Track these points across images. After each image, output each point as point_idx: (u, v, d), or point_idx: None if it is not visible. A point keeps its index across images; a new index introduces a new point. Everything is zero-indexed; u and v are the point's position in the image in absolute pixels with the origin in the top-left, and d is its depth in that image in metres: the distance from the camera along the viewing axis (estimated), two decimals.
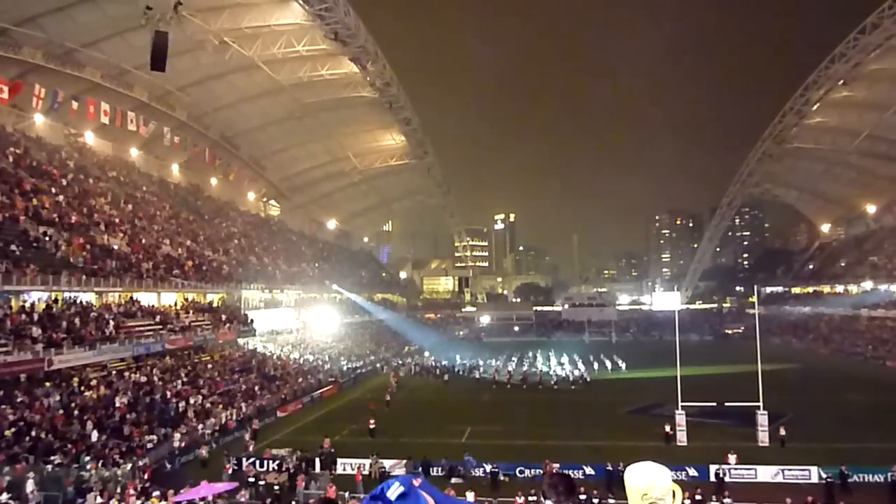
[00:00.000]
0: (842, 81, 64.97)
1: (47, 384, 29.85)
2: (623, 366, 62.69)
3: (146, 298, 42.21)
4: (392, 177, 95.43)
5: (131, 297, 40.23)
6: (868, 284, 78.37)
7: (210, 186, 73.34)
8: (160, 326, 39.70)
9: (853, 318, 77.14)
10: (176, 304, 45.29)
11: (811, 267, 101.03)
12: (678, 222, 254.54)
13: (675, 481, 2.92)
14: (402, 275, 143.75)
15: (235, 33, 52.51)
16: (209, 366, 43.24)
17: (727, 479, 25.40)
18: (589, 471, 26.74)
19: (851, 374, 55.67)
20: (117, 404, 31.19)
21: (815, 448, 29.56)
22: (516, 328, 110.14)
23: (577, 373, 57.25)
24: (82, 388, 31.34)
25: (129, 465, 25.82)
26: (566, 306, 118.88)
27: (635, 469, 2.90)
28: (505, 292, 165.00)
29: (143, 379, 35.50)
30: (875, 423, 34.80)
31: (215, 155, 67.54)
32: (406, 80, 70.39)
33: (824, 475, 25.05)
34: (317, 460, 28.61)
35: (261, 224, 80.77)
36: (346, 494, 22.05)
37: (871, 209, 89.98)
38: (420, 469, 27.98)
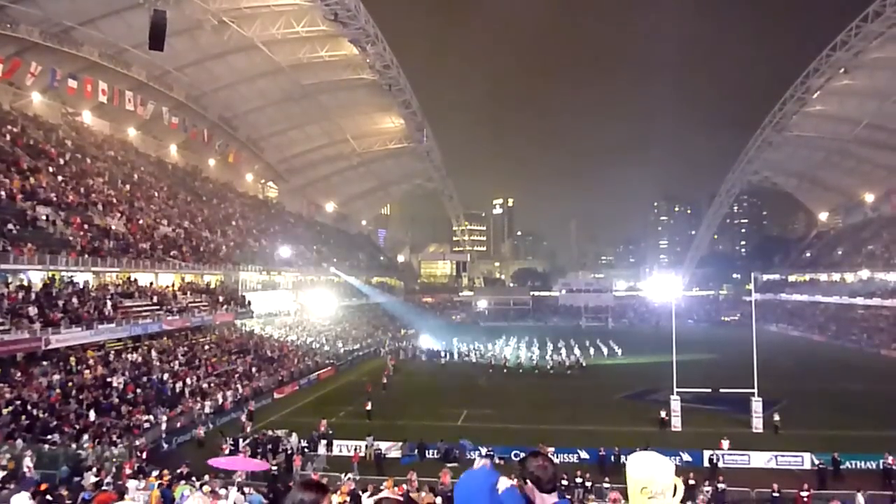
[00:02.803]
0: (843, 69, 64.65)
1: (45, 363, 29.93)
2: (619, 351, 63.03)
3: (144, 279, 42.17)
4: (391, 160, 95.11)
5: (129, 278, 40.20)
6: (865, 273, 78.52)
7: (208, 167, 73.11)
8: (158, 307, 39.71)
9: (849, 307, 77.40)
10: (173, 285, 45.26)
11: (808, 255, 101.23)
12: (676, 209, 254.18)
13: None
14: (400, 258, 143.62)
15: (234, 13, 52.07)
16: (206, 347, 43.35)
17: (721, 464, 25.62)
18: (584, 455, 26.98)
19: (839, 362, 55.95)
20: (114, 384, 31.29)
21: (808, 435, 29.82)
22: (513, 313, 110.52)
23: (572, 358, 57.49)
24: (80, 367, 31.41)
25: (126, 445, 25.94)
26: (563, 291, 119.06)
27: (637, 459, 2.85)
28: (502, 277, 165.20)
29: (141, 359, 35.59)
30: (869, 411, 35.11)
31: (213, 135, 67.26)
32: (406, 63, 69.86)
33: (817, 461, 25.29)
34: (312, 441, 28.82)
35: (259, 206, 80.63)
36: (343, 476, 22.17)
37: (869, 198, 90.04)
38: (416, 451, 28.19)
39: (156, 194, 53.79)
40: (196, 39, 54.51)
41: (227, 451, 26.63)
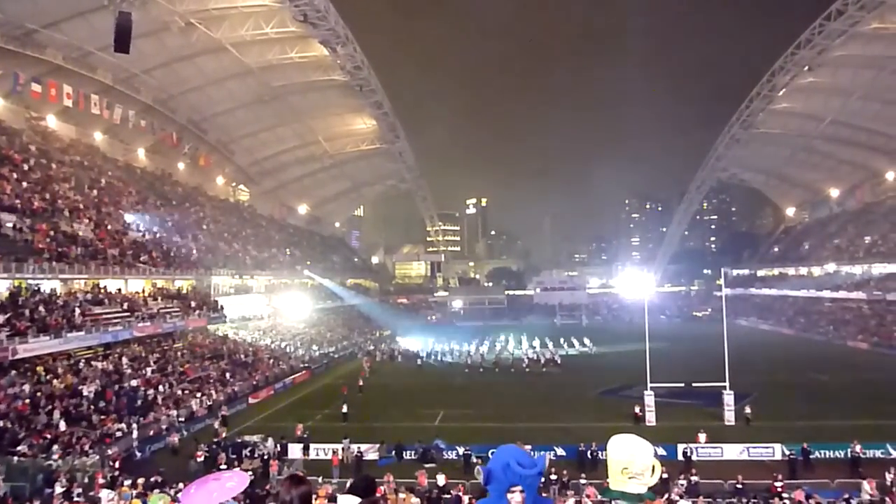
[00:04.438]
0: (807, 67, 65.97)
1: (12, 373, 29.29)
2: (592, 348, 63.78)
3: (113, 285, 41.49)
4: (363, 161, 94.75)
5: (97, 284, 39.51)
6: (831, 266, 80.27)
7: (177, 171, 72.02)
8: (128, 314, 39.10)
9: (816, 300, 79.00)
10: (144, 291, 44.61)
11: (776, 250, 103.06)
12: (648, 206, 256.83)
13: None
14: (375, 260, 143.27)
15: (202, 15, 51.48)
16: (179, 353, 42.79)
17: (694, 457, 25.99)
18: (560, 451, 27.16)
19: (807, 354, 57.06)
20: (85, 393, 30.74)
21: (779, 426, 30.37)
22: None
23: (547, 355, 57.86)
24: (49, 376, 30.81)
25: (97, 455, 25.52)
26: (538, 290, 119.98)
27: (619, 441, 2.95)
28: (477, 276, 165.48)
29: (111, 367, 35.00)
30: (836, 402, 36.02)
31: (182, 139, 66.42)
32: (377, 64, 69.68)
33: (787, 452, 25.80)
34: (289, 446, 28.65)
35: (230, 209, 79.74)
36: (320, 479, 22.07)
37: (834, 193, 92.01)
38: (393, 453, 28.14)
39: (124, 199, 52.91)
40: (163, 41, 53.75)
41: (201, 458, 26.34)
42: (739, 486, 21.98)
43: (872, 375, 44.82)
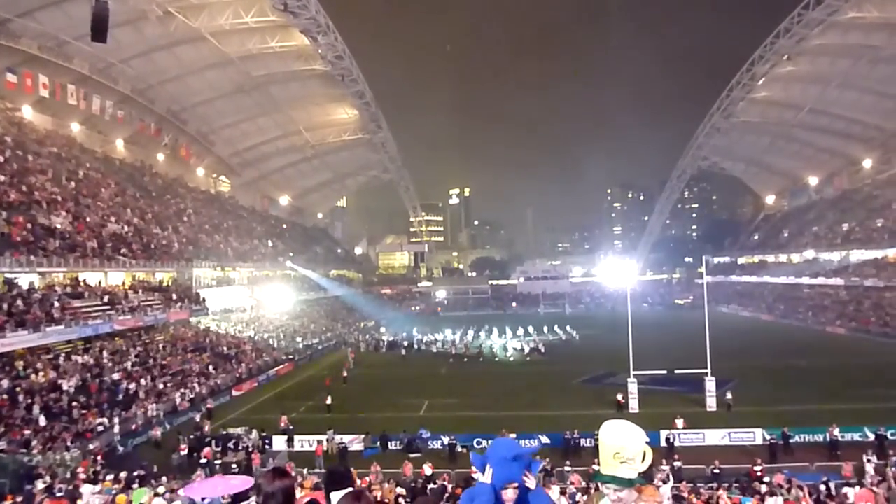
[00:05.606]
0: (786, 56, 66.51)
1: None
2: (576, 336, 64.09)
3: (93, 278, 40.99)
4: (345, 152, 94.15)
5: (76, 278, 39.01)
6: (810, 253, 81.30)
7: (157, 162, 71.13)
8: (108, 307, 38.64)
9: (795, 287, 79.99)
10: (124, 284, 44.12)
11: (756, 237, 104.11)
12: (630, 195, 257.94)
13: None
14: (358, 250, 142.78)
15: (180, 3, 50.81)
16: (161, 346, 42.43)
17: (677, 443, 26.31)
18: (545, 439, 27.34)
19: (787, 340, 57.80)
20: (65, 387, 30.42)
21: (759, 411, 30.78)
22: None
23: (531, 344, 58.11)
24: (28, 371, 30.43)
25: (78, 450, 25.28)
26: (521, 279, 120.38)
27: (611, 427, 2.98)
28: (461, 266, 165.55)
29: (92, 361, 34.64)
30: (815, 386, 36.57)
31: (161, 129, 65.63)
32: (359, 53, 69.11)
33: (768, 437, 26.21)
34: (274, 437, 28.61)
35: (211, 200, 79.00)
36: (305, 471, 22.04)
37: (813, 181, 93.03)
38: (378, 444, 28.18)
39: (103, 191, 52.20)
40: (141, 31, 52.97)
41: (184, 451, 26.23)
42: (717, 470, 22.32)
43: (850, 360, 45.60)
